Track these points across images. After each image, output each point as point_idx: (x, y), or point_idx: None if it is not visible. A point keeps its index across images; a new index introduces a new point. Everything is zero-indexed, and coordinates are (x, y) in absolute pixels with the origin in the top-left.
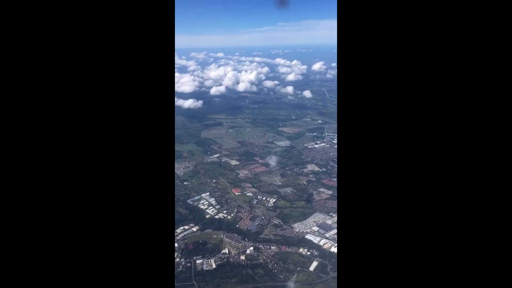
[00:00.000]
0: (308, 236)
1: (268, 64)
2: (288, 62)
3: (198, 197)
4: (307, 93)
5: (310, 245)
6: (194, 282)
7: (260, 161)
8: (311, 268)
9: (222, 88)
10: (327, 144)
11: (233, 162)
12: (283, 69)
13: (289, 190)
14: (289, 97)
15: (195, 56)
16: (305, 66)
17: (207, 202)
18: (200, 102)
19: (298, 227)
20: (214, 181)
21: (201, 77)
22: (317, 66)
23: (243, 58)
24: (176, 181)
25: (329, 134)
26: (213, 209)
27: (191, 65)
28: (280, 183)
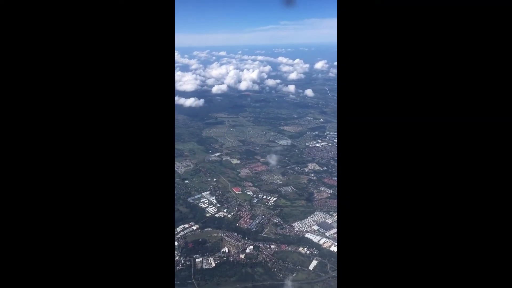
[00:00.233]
0: (308, 235)
1: (271, 63)
2: (290, 61)
3: (199, 195)
4: (309, 92)
5: (309, 244)
6: (193, 280)
7: (261, 160)
8: (311, 267)
9: (224, 87)
10: (328, 143)
11: (234, 161)
12: (285, 68)
13: (289, 189)
14: (291, 96)
15: (198, 54)
16: (307, 65)
17: (207, 201)
18: (201, 101)
19: (298, 226)
20: (214, 179)
21: (203, 76)
22: (319, 65)
23: (245, 57)
24: (176, 179)
25: (331, 133)
26: (214, 207)
27: (193, 63)
28: (280, 182)
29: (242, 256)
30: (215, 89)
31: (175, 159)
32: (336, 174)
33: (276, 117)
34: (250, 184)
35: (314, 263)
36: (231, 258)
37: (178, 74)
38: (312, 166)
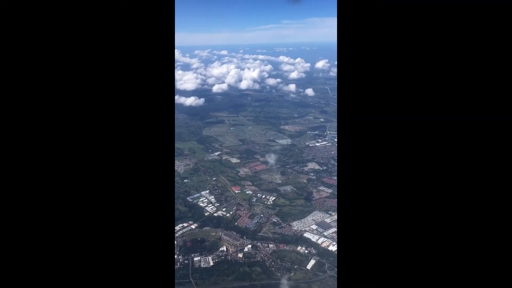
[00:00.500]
0: (306, 235)
1: (272, 62)
2: (291, 60)
3: (198, 194)
4: (310, 91)
5: (308, 243)
6: (191, 279)
7: (260, 159)
8: (309, 267)
9: (224, 86)
10: (328, 142)
11: (234, 160)
12: (286, 67)
13: (289, 188)
14: (292, 95)
15: (199, 53)
16: (308, 64)
17: (206, 200)
18: (202, 100)
19: (296, 225)
20: (214, 178)
21: (204, 75)
22: (320, 64)
23: (246, 56)
24: (176, 178)
25: (331, 132)
26: (212, 206)
27: (194, 62)
28: (280, 181)
29: (240, 255)
30: (216, 88)
31: (175, 158)
32: (335, 173)
33: (277, 116)
34: (250, 183)
35: (312, 262)
36: (229, 257)
37: (179, 73)
38: (311, 165)
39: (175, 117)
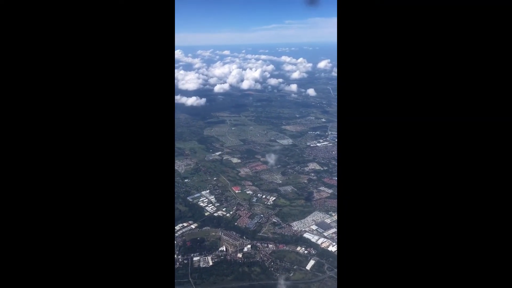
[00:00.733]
0: (306, 235)
1: (274, 62)
2: (294, 60)
3: (198, 194)
4: (311, 91)
5: (307, 243)
6: (190, 279)
7: (261, 159)
8: (308, 267)
9: (226, 86)
10: (329, 142)
11: (235, 160)
12: (288, 67)
13: (289, 188)
14: (293, 95)
15: (201, 53)
16: (310, 64)
17: (206, 200)
18: (203, 100)
19: (296, 225)
20: (214, 178)
21: (206, 75)
22: (322, 64)
23: (249, 56)
24: (177, 178)
25: (332, 132)
26: (213, 206)
27: (197, 62)
28: (280, 182)
29: (239, 255)
30: (217, 88)
31: (176, 158)
32: (336, 174)
33: (278, 116)
34: (250, 183)
35: (311, 263)
36: (228, 257)
37: (181, 73)
38: (312, 165)
39: (177, 117)
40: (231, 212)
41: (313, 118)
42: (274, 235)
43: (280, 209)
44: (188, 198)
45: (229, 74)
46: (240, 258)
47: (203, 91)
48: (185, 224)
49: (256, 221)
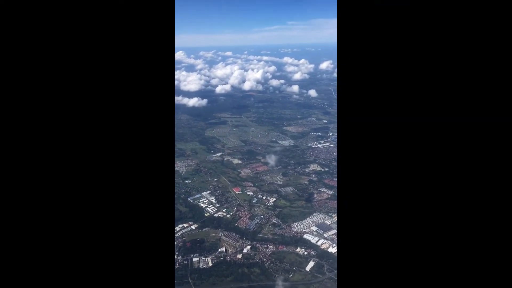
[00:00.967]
0: (306, 236)
1: (276, 63)
2: (296, 61)
3: (199, 195)
4: (312, 92)
5: (307, 245)
6: (189, 279)
7: (262, 160)
8: (307, 268)
9: (227, 87)
10: (331, 144)
11: (236, 161)
12: (290, 68)
13: (290, 189)
14: (295, 96)
15: (204, 54)
16: (312, 65)
17: (207, 201)
18: (205, 101)
19: (296, 226)
20: (215, 179)
21: (208, 76)
22: (324, 65)
23: (251, 57)
24: (177, 179)
25: (334, 133)
26: (213, 207)
27: (199, 63)
28: (281, 183)
29: (239, 256)
30: (219, 89)
31: (177, 158)
32: (337, 175)
33: (280, 117)
34: (251, 184)
35: (311, 264)
36: (228, 258)
37: (183, 74)
38: (313, 166)
39: (178, 118)
40: (231, 213)
41: (315, 119)
42: (274, 236)
43: (281, 210)
44: (188, 199)
45: (231, 75)
46: (239, 259)
47: (205, 92)
48: (185, 225)
49: (256, 222)
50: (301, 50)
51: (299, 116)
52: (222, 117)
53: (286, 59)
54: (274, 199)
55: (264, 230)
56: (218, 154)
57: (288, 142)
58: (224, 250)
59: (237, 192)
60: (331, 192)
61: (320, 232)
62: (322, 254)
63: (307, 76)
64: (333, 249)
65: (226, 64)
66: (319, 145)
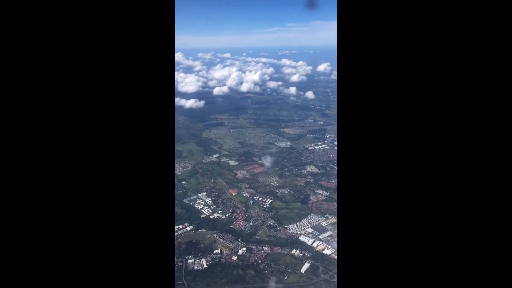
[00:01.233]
0: (301, 238)
1: (274, 65)
2: (294, 63)
3: (195, 196)
4: (310, 94)
5: (303, 246)
6: (184, 281)
7: (259, 161)
8: (302, 270)
9: (225, 88)
10: (327, 145)
11: (232, 163)
12: (288, 70)
13: (286, 191)
14: (292, 98)
15: (202, 56)
16: (310, 67)
17: (203, 202)
18: (202, 102)
19: (292, 228)
20: (212, 181)
21: (206, 77)
22: (322, 67)
23: (249, 59)
24: None
25: (331, 135)
26: (209, 209)
27: (197, 65)
28: (277, 184)
29: (234, 258)
30: (217, 91)
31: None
32: (333, 176)
33: (277, 119)
34: (247, 185)
35: (306, 266)
36: (223, 260)
37: (181, 75)
38: (310, 168)
39: (175, 119)
40: (227, 215)
41: (312, 121)
42: (270, 238)
43: (276, 211)
44: (184, 200)
45: (229, 77)
46: (234, 260)
47: (202, 94)
48: (180, 226)
49: (251, 224)
50: (299, 52)
51: (296, 118)
52: (219, 119)
53: (284, 61)
54: (270, 200)
55: (259, 232)
56: (215, 156)
57: (285, 144)
58: (219, 252)
59: (233, 194)
60: (327, 193)
61: (315, 234)
62: (317, 255)
63: (304, 78)
64: (329, 251)
65: (224, 66)
66: (316, 147)
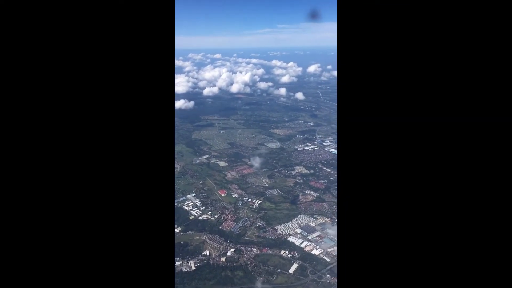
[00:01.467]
0: (290, 238)
1: (264, 66)
2: (284, 64)
3: (184, 198)
4: (300, 95)
5: (291, 247)
6: None
7: (248, 162)
8: (291, 271)
9: (215, 89)
10: (317, 146)
11: (222, 164)
12: (278, 71)
13: (275, 192)
14: (282, 99)
15: (193, 57)
16: (300, 68)
17: (192, 203)
18: (191, 103)
19: (281, 229)
20: (201, 182)
21: (196, 78)
22: (312, 68)
23: (240, 60)
24: None
25: (320, 136)
26: (198, 210)
27: (187, 66)
28: (267, 185)
29: (223, 259)
30: (206, 91)
31: None
32: (322, 177)
33: (267, 120)
34: (236, 186)
35: (294, 266)
36: (211, 261)
37: None
38: (299, 169)
39: None
40: (216, 216)
41: (302, 121)
42: (259, 239)
43: (266, 212)
44: None
45: (219, 78)
46: (223, 262)
47: (192, 94)
48: None
49: (240, 225)
50: (290, 53)
51: (286, 119)
52: (209, 120)
53: (275, 62)
54: (260, 201)
55: (248, 233)
56: (205, 157)
57: (275, 145)
58: (208, 253)
59: (222, 195)
60: (316, 194)
61: (304, 234)
62: (305, 256)
63: (295, 79)
64: (317, 251)
65: (215, 67)
66: (306, 148)
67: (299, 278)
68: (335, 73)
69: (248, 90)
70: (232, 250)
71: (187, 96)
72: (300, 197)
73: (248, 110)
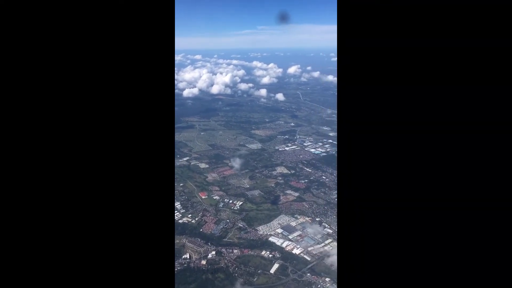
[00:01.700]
0: (271, 239)
1: (245, 67)
2: (265, 65)
3: None
4: (280, 96)
5: (272, 247)
6: None
7: (230, 164)
8: (272, 271)
9: (195, 91)
10: (298, 146)
11: (203, 165)
12: (259, 72)
13: (256, 192)
14: (262, 100)
15: None
16: (281, 69)
17: None
18: None
19: (262, 229)
20: (181, 184)
21: (176, 79)
22: (292, 70)
23: (220, 61)
24: None
25: (301, 136)
26: (178, 213)
27: None
28: (248, 186)
29: (203, 262)
30: (186, 93)
31: None
32: (303, 177)
33: (248, 121)
34: (217, 188)
35: (275, 266)
36: (192, 265)
37: None
38: (280, 169)
39: None
40: (196, 219)
41: (282, 122)
42: (240, 240)
43: (247, 213)
44: None
45: (199, 79)
46: (204, 265)
47: None
48: None
49: (222, 227)
50: (271, 55)
51: (267, 120)
52: (189, 121)
53: (255, 63)
54: (241, 202)
55: (229, 235)
56: (185, 159)
57: (256, 146)
58: (188, 257)
59: (203, 197)
60: (296, 194)
61: (285, 234)
62: (286, 256)
63: (275, 80)
64: (298, 250)
65: (195, 68)
66: (286, 148)
67: (280, 277)
68: (315, 74)
69: (228, 91)
70: (213, 252)
71: None
72: (281, 197)
73: (229, 111)
